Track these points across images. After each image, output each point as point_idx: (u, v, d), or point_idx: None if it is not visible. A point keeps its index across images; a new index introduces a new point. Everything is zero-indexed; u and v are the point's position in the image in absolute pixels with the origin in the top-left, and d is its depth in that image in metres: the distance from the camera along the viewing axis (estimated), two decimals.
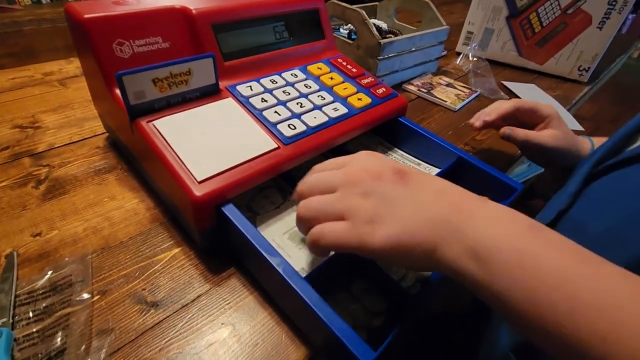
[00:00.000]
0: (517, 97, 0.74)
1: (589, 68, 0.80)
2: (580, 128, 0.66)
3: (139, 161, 0.41)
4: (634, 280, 0.19)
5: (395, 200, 0.25)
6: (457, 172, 0.44)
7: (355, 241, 0.25)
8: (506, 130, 0.46)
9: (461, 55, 0.83)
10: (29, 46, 0.69)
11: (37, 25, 0.76)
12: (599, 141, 0.48)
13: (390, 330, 0.27)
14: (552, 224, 0.36)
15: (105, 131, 0.50)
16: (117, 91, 0.36)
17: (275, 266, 0.28)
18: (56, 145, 0.47)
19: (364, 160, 0.28)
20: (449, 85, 0.74)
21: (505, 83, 0.78)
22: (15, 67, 0.63)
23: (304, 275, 0.29)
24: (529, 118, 0.47)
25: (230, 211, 0.32)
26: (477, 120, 0.49)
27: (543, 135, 0.45)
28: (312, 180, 0.29)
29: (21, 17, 0.78)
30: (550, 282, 0.20)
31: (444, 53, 0.80)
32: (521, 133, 0.46)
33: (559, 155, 0.45)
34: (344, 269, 0.35)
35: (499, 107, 0.48)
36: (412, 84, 0.73)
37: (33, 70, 0.63)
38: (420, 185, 0.26)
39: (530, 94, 0.75)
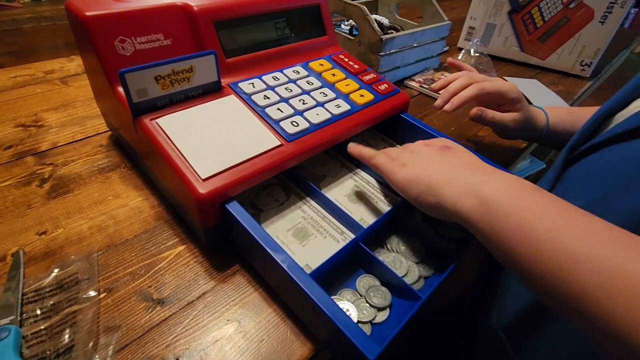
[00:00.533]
0: None
1: (591, 63, 0.80)
2: None
3: (142, 159, 0.41)
4: (626, 235, 0.22)
5: (429, 158, 0.34)
6: None
7: (386, 170, 0.35)
8: (476, 111, 0.49)
9: (463, 51, 0.83)
10: (29, 44, 0.69)
11: (37, 23, 0.75)
12: (552, 111, 0.52)
13: (393, 325, 0.28)
14: None
15: (108, 129, 0.50)
16: (120, 89, 0.36)
17: (280, 263, 0.28)
18: (59, 144, 0.47)
19: (432, 140, 0.37)
20: None
21: (507, 78, 0.78)
22: (15, 65, 0.63)
23: (308, 271, 0.29)
24: (494, 100, 0.49)
25: (235, 209, 0.32)
26: (444, 102, 0.49)
27: (506, 118, 0.49)
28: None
29: (20, 15, 0.77)
30: (542, 237, 0.23)
31: (445, 49, 0.80)
32: (489, 115, 0.49)
33: (519, 131, 0.50)
34: (348, 265, 0.35)
35: (461, 96, 0.48)
36: (414, 80, 0.72)
37: (34, 69, 0.63)
38: (456, 156, 0.33)
39: (532, 90, 0.75)
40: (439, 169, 0.32)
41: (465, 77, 0.49)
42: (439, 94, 0.50)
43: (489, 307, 0.42)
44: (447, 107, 0.48)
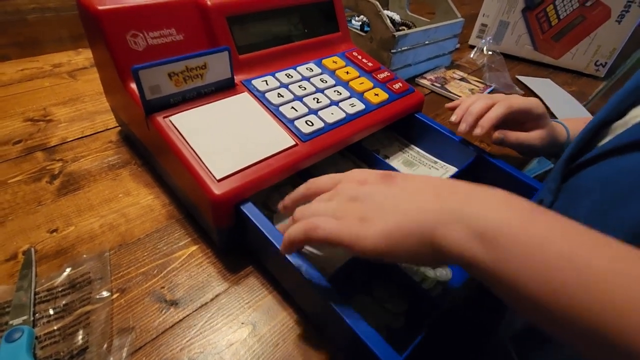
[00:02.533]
0: (532, 92, 0.73)
1: (605, 63, 0.78)
2: None
3: (154, 157, 0.40)
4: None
5: (382, 199, 0.25)
6: (476, 171, 0.43)
7: (349, 239, 0.24)
8: (499, 135, 0.45)
9: (475, 49, 0.82)
10: (33, 35, 0.68)
11: (41, 14, 0.74)
12: (571, 124, 0.49)
13: (411, 331, 0.27)
14: None
15: (117, 125, 0.49)
16: (132, 85, 0.36)
17: (297, 267, 0.28)
18: (69, 139, 0.47)
19: (352, 174, 0.29)
20: (462, 79, 0.73)
21: (520, 78, 0.77)
22: (19, 57, 0.63)
23: (325, 276, 0.28)
24: (521, 117, 0.46)
25: (250, 210, 0.31)
26: (469, 126, 0.45)
27: (533, 137, 0.46)
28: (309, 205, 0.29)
29: (24, 5, 0.76)
30: (560, 264, 0.20)
31: (457, 46, 0.78)
32: (513, 137, 0.45)
33: (544, 148, 0.47)
34: (364, 269, 0.34)
35: (491, 117, 0.44)
36: (425, 78, 0.71)
37: (42, 62, 0.62)
38: (405, 182, 0.26)
39: (545, 89, 0.73)
40: (410, 208, 0.24)
41: (485, 98, 0.46)
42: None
43: (497, 316, 0.42)
44: (477, 131, 0.44)
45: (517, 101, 0.45)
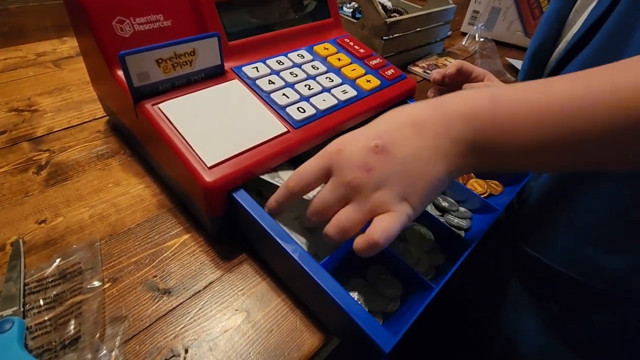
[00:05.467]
0: None
1: None
2: None
3: (143, 146, 0.40)
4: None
5: (402, 170, 0.26)
6: None
7: (406, 221, 0.26)
8: (430, 93, 0.50)
9: (467, 36, 0.82)
10: (18, 25, 0.66)
11: (24, 3, 0.72)
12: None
13: (405, 315, 0.27)
14: None
15: (105, 114, 0.48)
16: (119, 72, 0.35)
17: (291, 253, 0.28)
18: (55, 130, 0.46)
19: (344, 158, 0.27)
20: None
21: (511, 60, 0.77)
22: (2, 47, 0.61)
23: (318, 261, 0.29)
24: (465, 79, 0.50)
25: (242, 197, 0.31)
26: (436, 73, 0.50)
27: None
28: (319, 204, 0.28)
29: None
30: (561, 91, 0.24)
31: (449, 33, 0.78)
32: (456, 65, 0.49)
33: None
34: (356, 254, 0.35)
35: (446, 68, 0.49)
36: (417, 66, 0.71)
37: (25, 51, 0.60)
38: (395, 142, 0.26)
39: None
40: (430, 160, 0.26)
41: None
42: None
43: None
44: (434, 75, 0.49)
45: (469, 64, 0.50)
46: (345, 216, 0.27)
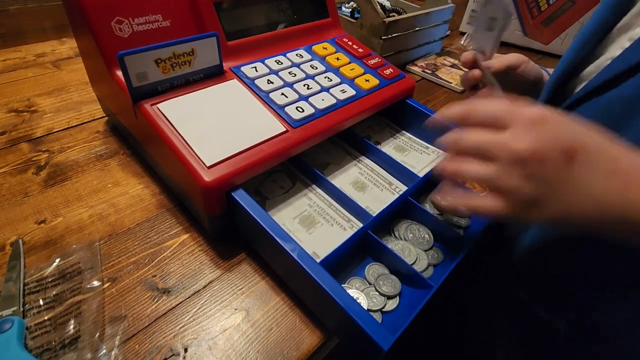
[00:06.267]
0: None
1: None
2: None
3: (142, 146, 0.40)
4: None
5: (558, 185, 0.23)
6: None
7: (514, 216, 0.24)
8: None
9: (466, 35, 0.82)
10: (16, 27, 0.66)
11: (23, 5, 0.72)
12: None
13: (404, 313, 0.27)
14: None
15: (104, 115, 0.48)
16: (118, 73, 0.35)
17: (290, 252, 0.28)
18: (54, 130, 0.46)
19: (530, 131, 0.24)
20: (453, 66, 0.73)
21: None
22: (1, 48, 0.61)
23: (317, 260, 0.29)
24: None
25: (241, 196, 0.31)
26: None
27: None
28: (471, 118, 0.26)
29: None
30: None
31: (447, 33, 0.78)
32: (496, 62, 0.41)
33: (526, 79, 0.43)
34: (355, 253, 0.35)
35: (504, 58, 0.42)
36: (416, 65, 0.71)
37: (25, 52, 0.60)
38: (589, 165, 0.23)
39: None
40: (585, 200, 0.23)
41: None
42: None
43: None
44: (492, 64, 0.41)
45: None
46: (478, 169, 0.25)
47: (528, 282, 0.38)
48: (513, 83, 0.43)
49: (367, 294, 0.31)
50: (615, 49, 0.32)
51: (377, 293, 0.31)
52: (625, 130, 0.27)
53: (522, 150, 0.23)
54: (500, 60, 0.41)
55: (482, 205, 0.25)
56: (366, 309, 0.30)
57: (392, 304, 0.31)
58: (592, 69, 0.34)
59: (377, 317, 0.30)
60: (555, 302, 0.36)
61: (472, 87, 0.42)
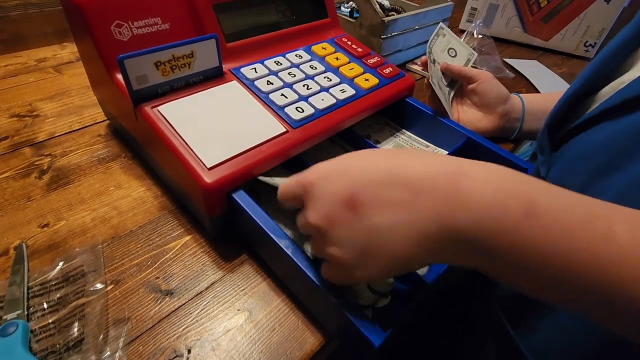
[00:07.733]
0: (521, 74, 0.73)
1: (595, 43, 0.78)
2: None
3: (143, 148, 0.40)
4: None
5: (365, 239, 0.22)
6: (467, 153, 0.43)
7: (355, 281, 0.26)
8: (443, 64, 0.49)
9: (465, 33, 0.81)
10: (17, 32, 0.66)
11: (24, 10, 0.72)
12: (527, 98, 0.50)
13: (397, 310, 0.28)
14: None
15: (106, 118, 0.49)
16: (119, 76, 0.35)
17: (284, 249, 0.28)
18: (56, 134, 0.46)
19: (314, 196, 0.24)
20: None
21: (508, 60, 0.77)
22: (3, 53, 0.61)
23: (312, 258, 0.29)
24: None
25: (242, 198, 0.31)
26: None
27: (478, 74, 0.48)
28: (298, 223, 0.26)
29: (7, 2, 0.74)
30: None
31: None
32: (456, 68, 0.48)
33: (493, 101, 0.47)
34: None
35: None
36: (416, 64, 0.71)
37: (26, 57, 0.61)
38: (374, 203, 0.21)
39: (534, 71, 0.74)
40: (404, 239, 0.21)
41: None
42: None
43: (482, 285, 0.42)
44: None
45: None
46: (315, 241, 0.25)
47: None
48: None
49: (360, 290, 0.31)
50: (636, 71, 0.31)
51: (369, 289, 0.31)
52: (636, 160, 0.26)
53: (315, 222, 0.23)
54: (459, 67, 0.48)
55: (324, 274, 0.26)
56: (359, 305, 0.30)
57: (384, 301, 0.31)
58: (608, 90, 0.33)
59: (369, 313, 0.30)
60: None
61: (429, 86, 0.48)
